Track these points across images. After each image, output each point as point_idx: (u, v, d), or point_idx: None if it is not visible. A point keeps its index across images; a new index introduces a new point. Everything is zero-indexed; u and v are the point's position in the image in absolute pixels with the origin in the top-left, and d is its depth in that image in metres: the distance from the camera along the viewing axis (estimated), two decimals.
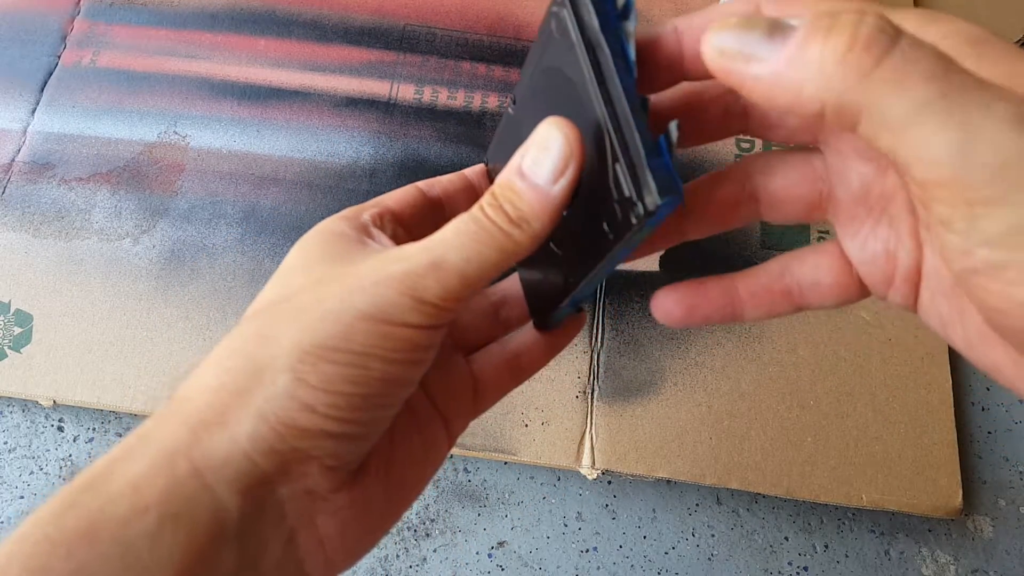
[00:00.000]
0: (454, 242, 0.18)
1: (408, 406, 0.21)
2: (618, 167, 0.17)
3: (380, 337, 0.18)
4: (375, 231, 0.21)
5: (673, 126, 0.17)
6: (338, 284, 0.18)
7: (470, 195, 0.25)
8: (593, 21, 0.18)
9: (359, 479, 0.20)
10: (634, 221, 0.17)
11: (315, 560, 0.19)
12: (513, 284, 0.26)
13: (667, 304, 0.22)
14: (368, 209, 0.22)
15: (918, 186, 0.14)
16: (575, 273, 0.21)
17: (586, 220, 0.20)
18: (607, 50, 0.18)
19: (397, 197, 0.23)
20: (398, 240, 0.22)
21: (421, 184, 0.24)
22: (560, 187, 0.18)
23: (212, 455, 0.17)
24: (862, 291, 0.20)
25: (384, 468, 0.21)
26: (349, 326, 0.18)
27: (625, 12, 0.18)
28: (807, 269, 0.21)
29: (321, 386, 0.18)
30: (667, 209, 0.16)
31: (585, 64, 0.18)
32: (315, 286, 0.19)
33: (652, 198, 0.16)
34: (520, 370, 0.24)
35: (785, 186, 0.21)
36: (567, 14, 0.18)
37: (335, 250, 0.20)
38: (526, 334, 0.25)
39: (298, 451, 0.18)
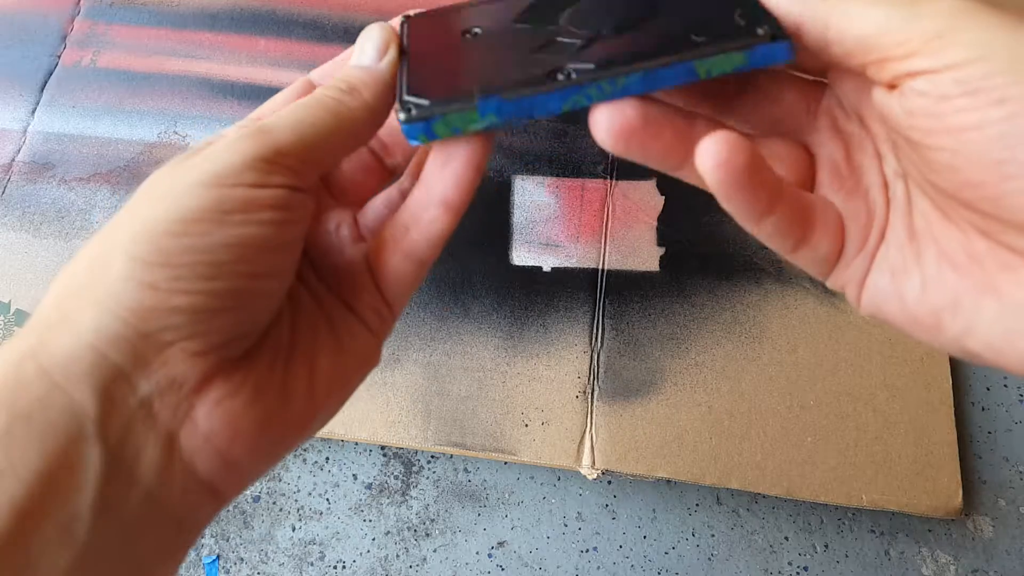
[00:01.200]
0: (287, 111, 0.19)
1: (308, 292, 0.21)
2: (738, 10, 0.19)
3: (216, 200, 0.17)
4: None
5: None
6: (170, 176, 0.18)
7: None
8: None
9: (243, 366, 0.19)
10: (760, 33, 0.18)
11: (207, 459, 0.18)
12: (395, 126, 0.22)
13: (626, 112, 0.19)
14: (236, 125, 0.21)
15: (877, 67, 0.17)
16: (606, 63, 0.19)
17: (661, 25, 0.19)
18: None
19: (266, 106, 0.23)
20: None
21: (313, 73, 0.24)
22: (386, 62, 0.21)
23: (57, 352, 0.17)
24: (836, 255, 0.21)
25: (283, 357, 0.20)
26: (181, 197, 0.17)
27: None
28: (819, 208, 0.21)
29: (159, 260, 0.17)
30: (782, 53, 0.18)
31: None
32: (147, 188, 0.18)
33: (781, 32, 0.18)
34: (413, 246, 0.21)
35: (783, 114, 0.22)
36: None
37: (174, 162, 0.19)
38: (409, 199, 0.22)
39: (149, 337, 0.17)
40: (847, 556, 0.40)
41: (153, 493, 0.17)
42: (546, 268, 0.44)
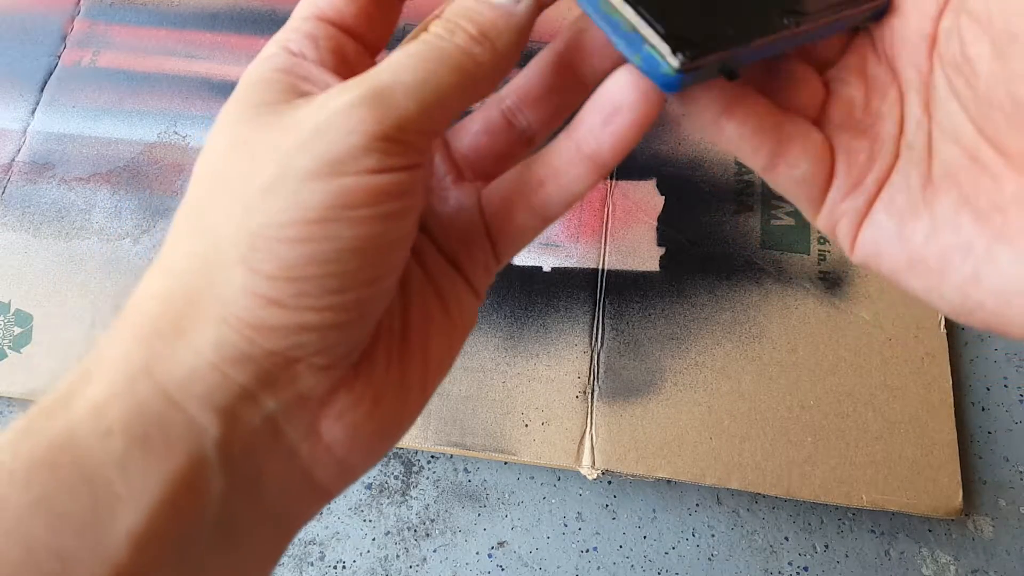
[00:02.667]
0: (405, 63, 0.15)
1: (419, 262, 0.18)
2: None
3: (339, 195, 0.14)
4: (308, 66, 0.17)
5: None
6: (272, 143, 0.15)
7: None
8: None
9: (363, 372, 0.17)
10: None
11: (326, 467, 0.17)
12: (524, 79, 0.20)
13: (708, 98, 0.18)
14: (298, 29, 0.17)
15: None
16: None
17: None
18: None
19: None
20: (348, 61, 0.17)
21: None
22: (525, 5, 0.16)
23: (175, 370, 0.15)
24: (824, 188, 0.19)
25: (397, 350, 0.18)
26: (296, 192, 0.14)
27: None
28: (805, 124, 0.20)
29: (283, 274, 0.15)
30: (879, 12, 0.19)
31: None
32: (246, 150, 0.16)
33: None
34: (546, 202, 0.19)
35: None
36: None
37: (260, 100, 0.16)
38: (552, 151, 0.19)
39: (276, 355, 0.15)
40: (847, 556, 0.40)
41: (271, 508, 0.16)
42: (546, 268, 0.44)
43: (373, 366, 0.17)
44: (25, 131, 0.47)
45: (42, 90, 0.48)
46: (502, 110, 0.20)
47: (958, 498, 0.38)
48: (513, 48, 0.17)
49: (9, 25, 0.50)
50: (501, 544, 0.40)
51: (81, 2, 0.51)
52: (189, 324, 0.15)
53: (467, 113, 0.20)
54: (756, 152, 0.19)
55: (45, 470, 0.14)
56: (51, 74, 0.49)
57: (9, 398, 0.42)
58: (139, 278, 0.16)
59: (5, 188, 0.45)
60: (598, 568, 0.39)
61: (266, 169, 0.15)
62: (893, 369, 0.41)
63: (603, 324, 0.42)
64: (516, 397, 0.41)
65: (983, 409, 0.42)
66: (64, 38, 0.50)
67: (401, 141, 0.15)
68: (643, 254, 0.44)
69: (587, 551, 0.40)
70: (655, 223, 0.44)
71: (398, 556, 0.39)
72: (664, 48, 0.16)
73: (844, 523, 0.40)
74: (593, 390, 0.41)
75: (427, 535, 0.40)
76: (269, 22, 0.50)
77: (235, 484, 0.15)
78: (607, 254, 0.44)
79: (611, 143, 0.17)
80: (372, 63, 0.16)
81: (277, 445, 0.16)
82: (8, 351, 0.41)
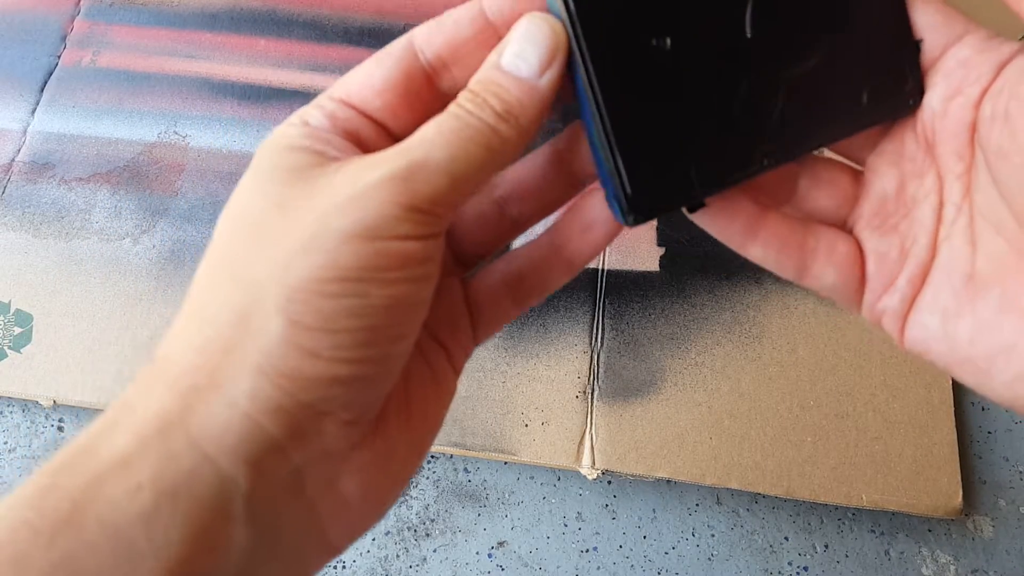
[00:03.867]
0: (436, 140, 0.16)
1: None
2: (908, 54, 0.19)
3: (373, 257, 0.15)
4: (332, 138, 0.18)
5: (919, 42, 0.19)
6: (308, 205, 0.16)
7: (486, 46, 0.18)
8: None
9: (380, 430, 0.18)
10: (911, 105, 0.19)
11: (339, 522, 0.17)
12: (520, 172, 0.21)
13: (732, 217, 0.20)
14: (322, 107, 0.18)
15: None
16: (790, 143, 0.19)
17: (831, 91, 0.19)
18: None
19: (362, 81, 0.18)
20: (361, 141, 0.18)
21: (419, 36, 0.19)
22: (548, 79, 0.17)
23: (209, 423, 0.15)
24: (857, 287, 0.21)
25: (404, 413, 0.19)
26: (335, 251, 0.15)
27: None
28: (830, 234, 0.21)
29: (320, 325, 0.15)
30: (914, 108, 0.19)
31: None
32: (280, 211, 0.16)
33: (920, 94, 0.19)
34: (525, 294, 0.21)
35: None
36: None
37: (291, 165, 0.17)
38: (534, 248, 0.21)
39: (307, 407, 0.16)
40: (847, 556, 0.40)
41: (286, 565, 0.17)
42: None
43: (387, 425, 0.18)
44: (25, 131, 0.47)
45: (42, 90, 0.48)
46: (494, 199, 0.21)
47: (958, 498, 0.38)
48: (536, 123, 0.17)
49: (9, 25, 0.50)
50: (501, 544, 0.40)
51: (81, 2, 0.51)
52: (225, 376, 0.15)
53: None
54: (782, 269, 0.21)
55: (69, 529, 0.14)
56: (51, 74, 0.49)
57: (9, 398, 0.42)
58: (167, 326, 0.17)
59: (5, 188, 0.45)
60: (598, 568, 0.39)
61: (305, 228, 0.16)
62: (893, 369, 0.41)
63: (603, 324, 0.42)
64: (516, 397, 0.41)
65: (983, 409, 0.42)
66: (64, 38, 0.50)
67: (431, 212, 0.16)
68: (643, 254, 0.44)
69: (587, 551, 0.40)
70: (655, 223, 0.44)
71: (398, 556, 0.39)
72: (624, 206, 0.18)
73: (844, 523, 0.40)
74: (593, 390, 0.41)
75: (427, 535, 0.40)
76: (269, 22, 0.50)
77: (257, 539, 0.16)
78: (607, 254, 0.44)
79: (587, 249, 0.20)
80: (390, 145, 0.17)
81: (298, 500, 0.16)
82: (8, 351, 0.41)
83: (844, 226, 0.21)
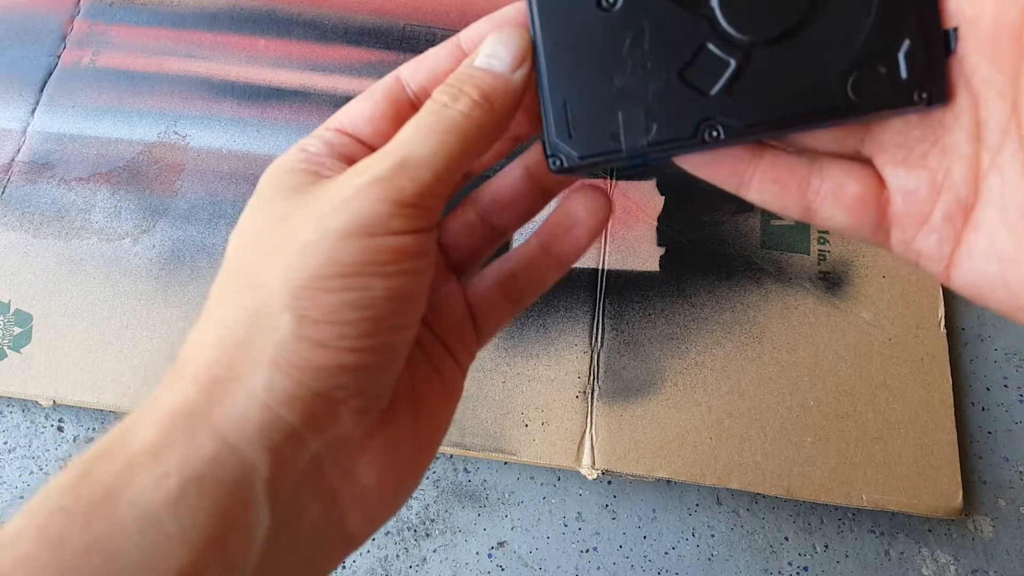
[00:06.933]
0: (416, 138, 0.18)
1: (417, 341, 0.20)
2: (916, 45, 0.17)
3: (370, 252, 0.17)
4: (328, 161, 0.19)
5: (952, 32, 0.17)
6: (306, 213, 0.17)
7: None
8: None
9: (389, 420, 0.19)
10: (916, 100, 0.17)
11: (357, 515, 0.18)
12: (497, 185, 0.23)
13: None
14: (319, 136, 0.20)
15: None
16: (744, 117, 0.18)
17: (803, 69, 0.18)
18: None
19: (354, 112, 0.20)
20: (355, 162, 0.20)
21: (404, 71, 0.21)
22: (520, 74, 0.19)
23: (230, 412, 0.16)
24: (879, 225, 0.19)
25: (412, 407, 0.20)
26: (334, 250, 0.17)
27: None
28: (838, 171, 0.19)
29: (326, 318, 0.17)
30: (939, 104, 0.17)
31: None
32: (282, 223, 0.18)
33: (940, 91, 0.17)
34: (520, 293, 0.22)
35: None
36: None
37: (290, 184, 0.19)
38: (525, 248, 0.23)
39: (321, 396, 0.17)
40: (847, 556, 0.40)
41: (307, 554, 0.17)
42: None
43: (396, 417, 0.19)
44: (25, 131, 0.47)
45: (42, 90, 0.48)
46: (478, 210, 0.23)
47: (958, 498, 0.38)
48: (509, 112, 0.19)
49: (9, 25, 0.50)
50: (501, 544, 0.40)
51: (81, 2, 0.51)
52: (243, 369, 0.17)
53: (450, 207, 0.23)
54: (786, 212, 0.20)
55: (103, 512, 0.15)
56: (51, 74, 0.49)
57: (9, 398, 0.42)
58: (185, 333, 0.18)
59: (5, 188, 0.45)
60: (598, 568, 0.39)
61: (305, 232, 0.17)
62: (893, 369, 0.41)
63: (603, 324, 0.42)
64: (516, 397, 0.41)
65: (983, 409, 0.42)
66: (64, 38, 0.50)
67: (420, 206, 0.17)
68: (643, 254, 0.44)
69: (587, 551, 0.40)
70: (655, 223, 0.44)
71: (398, 556, 0.39)
72: (545, 150, 0.19)
73: (844, 523, 0.40)
74: (593, 390, 0.41)
75: (427, 535, 0.40)
76: (269, 22, 0.50)
77: (279, 524, 0.16)
78: (607, 254, 0.44)
79: (573, 247, 0.22)
80: None
81: (320, 487, 0.17)
82: (8, 351, 0.41)
83: (860, 156, 0.19)
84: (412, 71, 0.20)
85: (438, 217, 0.18)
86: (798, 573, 0.39)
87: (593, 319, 0.42)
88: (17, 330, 0.42)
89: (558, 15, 0.19)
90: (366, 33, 0.50)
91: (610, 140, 0.19)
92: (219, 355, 0.17)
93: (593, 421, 0.40)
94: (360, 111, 0.20)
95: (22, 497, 0.41)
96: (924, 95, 0.17)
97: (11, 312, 0.42)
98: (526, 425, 0.40)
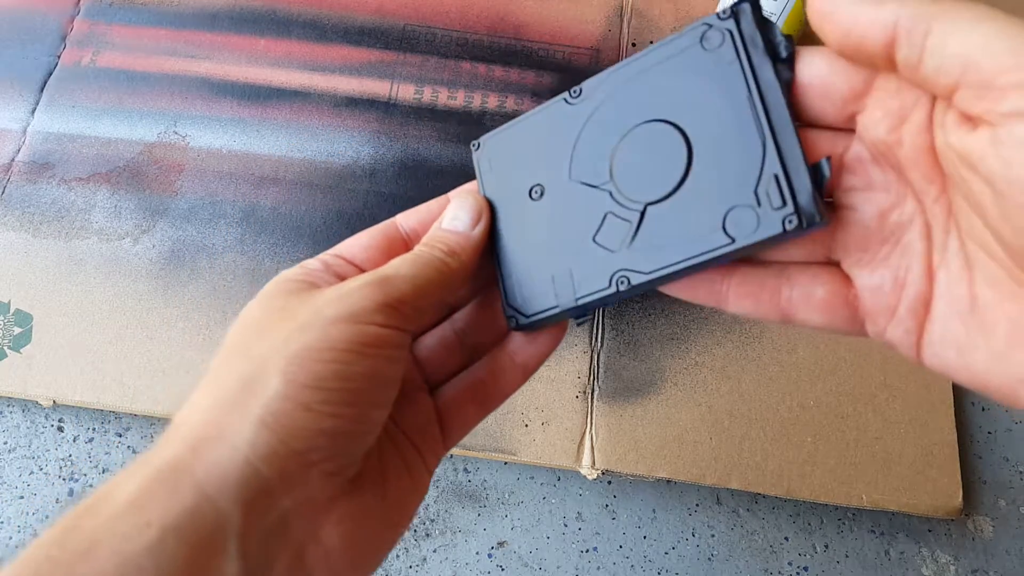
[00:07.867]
0: (402, 265, 0.22)
1: (388, 435, 0.23)
2: (775, 177, 0.19)
3: (356, 335, 0.20)
4: (324, 276, 0.23)
5: (825, 161, 0.19)
6: (305, 306, 0.21)
7: None
8: (758, 40, 0.20)
9: (355, 490, 0.21)
10: (785, 227, 0.19)
11: (323, 575, 0.20)
12: (476, 310, 0.26)
13: None
14: (319, 258, 0.24)
15: (972, 93, 0.15)
16: (645, 267, 0.21)
17: (687, 219, 0.21)
18: (770, 72, 0.19)
19: (352, 242, 0.25)
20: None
21: (400, 217, 0.26)
22: (479, 230, 0.24)
23: (213, 468, 0.18)
24: (853, 320, 0.21)
25: (379, 487, 0.22)
26: (326, 329, 0.20)
27: (789, 53, 0.20)
28: (804, 278, 0.21)
29: (313, 383, 0.19)
30: (815, 227, 0.19)
31: (747, 77, 0.20)
32: (282, 312, 0.21)
33: (811, 215, 0.18)
34: (487, 398, 0.25)
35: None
36: (732, 31, 0.20)
37: (290, 289, 0.22)
38: (492, 360, 0.25)
39: (298, 455, 0.18)
40: (847, 556, 0.40)
41: None
42: None
43: (362, 488, 0.21)
44: (25, 131, 0.47)
45: (42, 90, 0.48)
46: (454, 331, 0.26)
47: (958, 498, 0.38)
48: (473, 260, 0.24)
49: (9, 25, 0.50)
50: (501, 544, 0.40)
51: (81, 2, 0.51)
52: (232, 428, 0.18)
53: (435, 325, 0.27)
54: (767, 320, 0.22)
55: (84, 561, 0.16)
56: (51, 74, 0.49)
57: (9, 398, 0.42)
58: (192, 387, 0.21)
59: (5, 188, 0.45)
60: (598, 568, 0.39)
61: (303, 317, 0.20)
62: (893, 369, 0.41)
63: (603, 324, 0.42)
64: (516, 397, 0.40)
65: (983, 409, 0.42)
66: (64, 38, 0.50)
67: (398, 309, 0.21)
68: None
69: (587, 551, 0.40)
70: None
71: (398, 556, 0.39)
72: (505, 313, 0.24)
73: (844, 523, 0.40)
74: (593, 390, 0.41)
75: (427, 535, 0.40)
76: (269, 22, 0.50)
77: (247, 574, 0.18)
78: None
79: (534, 357, 0.25)
80: None
81: (287, 542, 0.19)
82: (8, 351, 0.41)
83: (831, 261, 0.21)
84: (406, 217, 0.26)
85: (414, 324, 0.22)
86: (798, 573, 0.39)
87: (593, 319, 0.42)
88: (17, 330, 0.42)
89: (503, 206, 0.25)
90: (366, 33, 0.50)
91: (550, 299, 0.23)
92: (210, 417, 0.19)
93: (593, 421, 0.40)
94: (358, 241, 0.25)
95: (22, 497, 0.41)
96: (792, 221, 0.19)
97: (11, 312, 0.42)
98: (526, 425, 0.40)
